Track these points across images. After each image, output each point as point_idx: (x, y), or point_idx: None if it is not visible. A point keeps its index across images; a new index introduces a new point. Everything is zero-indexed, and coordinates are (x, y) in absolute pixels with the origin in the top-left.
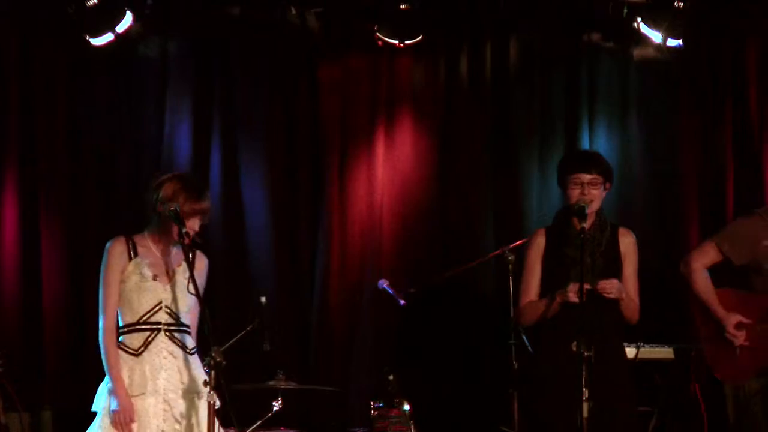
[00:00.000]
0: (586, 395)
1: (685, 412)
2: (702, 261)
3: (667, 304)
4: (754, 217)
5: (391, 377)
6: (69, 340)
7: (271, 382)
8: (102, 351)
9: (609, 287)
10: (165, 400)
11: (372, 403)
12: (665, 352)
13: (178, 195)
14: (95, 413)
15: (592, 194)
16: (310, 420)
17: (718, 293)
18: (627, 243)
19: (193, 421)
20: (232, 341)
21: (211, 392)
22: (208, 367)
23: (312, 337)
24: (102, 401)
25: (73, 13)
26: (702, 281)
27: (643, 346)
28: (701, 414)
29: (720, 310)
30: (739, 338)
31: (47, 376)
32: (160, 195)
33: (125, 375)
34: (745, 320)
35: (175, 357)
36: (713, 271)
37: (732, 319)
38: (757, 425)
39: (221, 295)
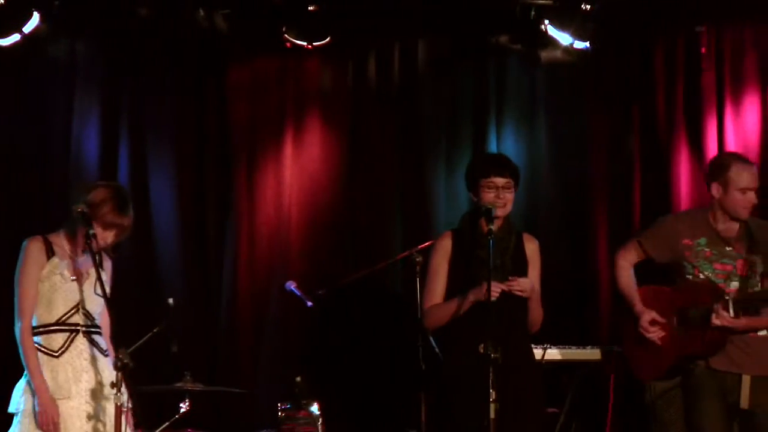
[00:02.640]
0: (494, 397)
1: (592, 413)
2: (627, 258)
3: (575, 306)
4: (677, 216)
5: (298, 379)
6: None
7: (179, 384)
8: (22, 351)
9: (522, 285)
10: (87, 402)
11: (279, 404)
12: (572, 354)
13: (106, 202)
14: (13, 414)
15: (506, 198)
16: (218, 421)
17: (640, 291)
18: (532, 249)
19: (104, 420)
20: (139, 343)
21: (118, 393)
22: (115, 368)
23: (220, 339)
24: (21, 402)
25: None
26: (625, 277)
27: (550, 348)
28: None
29: (638, 306)
30: (652, 334)
31: None
32: (88, 197)
33: (48, 377)
34: (659, 318)
35: (93, 358)
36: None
37: (647, 315)
38: (662, 428)
39: (129, 296)
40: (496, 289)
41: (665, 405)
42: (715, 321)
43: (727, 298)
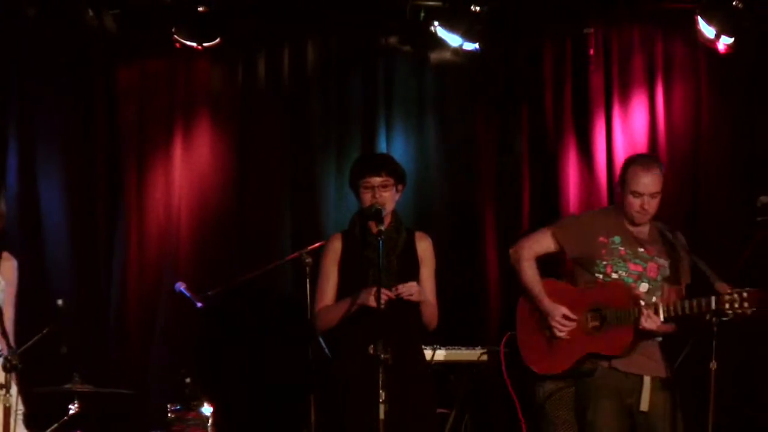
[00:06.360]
0: (383, 398)
1: (482, 413)
2: (534, 249)
3: (463, 306)
4: (595, 213)
5: (188, 380)
6: None
7: (68, 385)
8: None
9: (408, 290)
10: None
11: (169, 405)
12: (461, 354)
13: None
14: None
15: (383, 197)
16: (108, 423)
17: (543, 283)
18: (424, 247)
19: None
20: (28, 344)
21: (6, 395)
22: (3, 369)
23: (109, 340)
24: None
25: None
26: (531, 270)
27: (440, 348)
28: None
29: (547, 301)
30: (564, 330)
31: None
32: None
33: None
34: (571, 314)
35: None
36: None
37: (559, 311)
38: (549, 429)
39: (18, 297)
40: (382, 297)
41: (555, 405)
42: (645, 324)
43: (653, 301)
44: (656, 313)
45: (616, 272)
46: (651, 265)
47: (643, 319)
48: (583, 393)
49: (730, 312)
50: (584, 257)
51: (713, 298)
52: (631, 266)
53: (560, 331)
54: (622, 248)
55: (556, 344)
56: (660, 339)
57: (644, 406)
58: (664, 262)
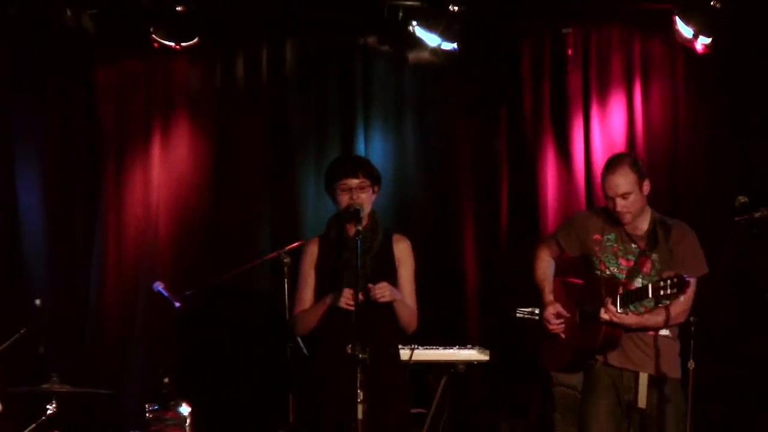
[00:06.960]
0: (361, 397)
1: (461, 413)
2: (547, 251)
3: (444, 306)
4: (592, 211)
5: (166, 380)
6: None
7: (45, 385)
8: None
9: (380, 292)
10: None
11: (147, 405)
12: (439, 354)
13: None
14: None
15: (361, 198)
16: (86, 423)
17: (554, 282)
18: (401, 249)
19: None
20: (6, 344)
21: None
22: None
23: (87, 340)
24: None
25: None
26: (542, 268)
27: (418, 348)
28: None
29: (546, 298)
30: (553, 326)
31: None
32: None
33: None
34: (563, 312)
35: None
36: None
37: (551, 308)
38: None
39: None
40: (350, 301)
41: (558, 400)
42: (603, 315)
43: (619, 293)
44: (614, 303)
45: (608, 269)
46: (643, 260)
47: (602, 311)
48: (584, 389)
49: (663, 298)
50: (583, 256)
51: (649, 286)
52: (623, 262)
53: (550, 327)
54: (616, 245)
55: (558, 341)
56: (666, 333)
57: (641, 403)
58: (656, 257)
